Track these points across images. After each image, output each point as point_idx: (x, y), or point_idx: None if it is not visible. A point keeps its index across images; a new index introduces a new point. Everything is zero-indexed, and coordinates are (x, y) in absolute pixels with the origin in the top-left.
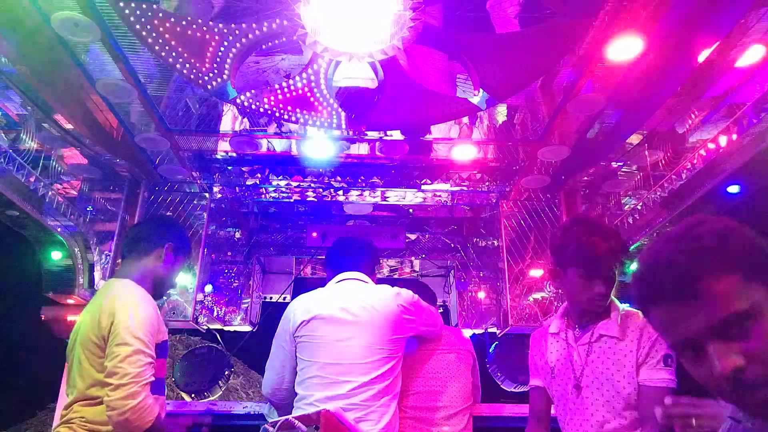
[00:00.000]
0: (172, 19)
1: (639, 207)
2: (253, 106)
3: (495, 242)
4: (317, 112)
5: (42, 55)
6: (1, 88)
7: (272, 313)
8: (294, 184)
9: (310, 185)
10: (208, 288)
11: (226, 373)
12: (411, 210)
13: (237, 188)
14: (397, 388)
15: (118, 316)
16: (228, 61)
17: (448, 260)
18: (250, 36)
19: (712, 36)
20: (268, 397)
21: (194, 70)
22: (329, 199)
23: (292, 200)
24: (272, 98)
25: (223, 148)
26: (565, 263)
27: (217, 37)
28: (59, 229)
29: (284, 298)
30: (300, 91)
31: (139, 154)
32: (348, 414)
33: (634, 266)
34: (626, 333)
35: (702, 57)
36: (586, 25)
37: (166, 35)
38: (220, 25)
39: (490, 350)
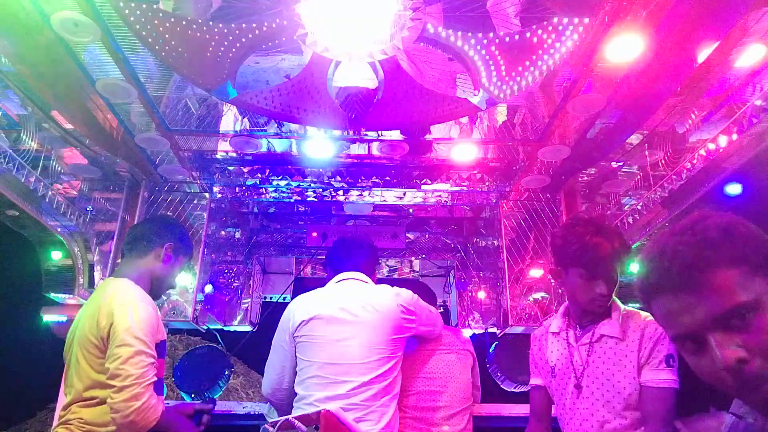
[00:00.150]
0: (172, 19)
1: (639, 207)
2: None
3: (495, 242)
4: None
5: (42, 55)
6: (1, 88)
7: (272, 313)
8: (294, 184)
9: (310, 185)
10: (208, 288)
11: (226, 373)
12: (411, 210)
13: (237, 188)
14: (397, 388)
15: (117, 317)
16: (228, 61)
17: (448, 260)
18: (250, 36)
19: (712, 36)
20: (267, 397)
21: (194, 70)
22: (329, 199)
23: (292, 200)
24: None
25: (223, 148)
26: (566, 263)
27: (217, 37)
28: (59, 229)
29: (284, 298)
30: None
31: (139, 154)
32: (348, 414)
33: (637, 260)
34: (627, 333)
35: (702, 57)
36: (586, 25)
37: (166, 35)
38: (220, 25)
39: (490, 350)
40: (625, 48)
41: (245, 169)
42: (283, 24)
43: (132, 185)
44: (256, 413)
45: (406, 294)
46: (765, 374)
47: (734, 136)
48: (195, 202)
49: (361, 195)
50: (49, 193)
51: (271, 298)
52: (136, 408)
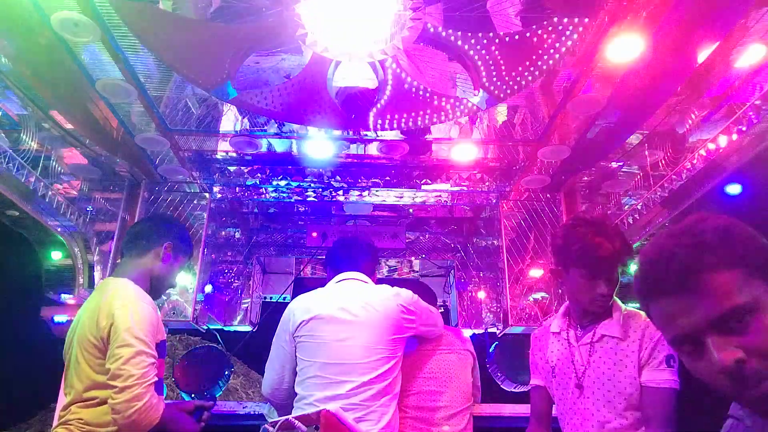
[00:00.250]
0: (172, 19)
1: (639, 207)
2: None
3: (495, 242)
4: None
5: (42, 55)
6: (1, 88)
7: (272, 313)
8: (294, 184)
9: (310, 185)
10: (208, 288)
11: (226, 373)
12: (411, 210)
13: (237, 188)
14: (397, 388)
15: (118, 317)
16: (228, 61)
17: (448, 260)
18: (250, 36)
19: (712, 36)
20: (267, 397)
21: (194, 70)
22: (329, 199)
23: (292, 200)
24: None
25: (223, 148)
26: (567, 263)
27: (217, 37)
28: (59, 229)
29: (284, 298)
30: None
31: (139, 154)
32: (348, 414)
33: (635, 262)
34: (628, 333)
35: (702, 57)
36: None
37: (166, 35)
38: (220, 25)
39: (490, 350)
40: (625, 48)
41: (245, 169)
42: (283, 24)
43: (132, 185)
44: (256, 413)
45: (406, 294)
46: (763, 372)
47: (734, 136)
48: (195, 202)
49: (361, 195)
50: (49, 193)
51: (271, 298)
52: (137, 408)
